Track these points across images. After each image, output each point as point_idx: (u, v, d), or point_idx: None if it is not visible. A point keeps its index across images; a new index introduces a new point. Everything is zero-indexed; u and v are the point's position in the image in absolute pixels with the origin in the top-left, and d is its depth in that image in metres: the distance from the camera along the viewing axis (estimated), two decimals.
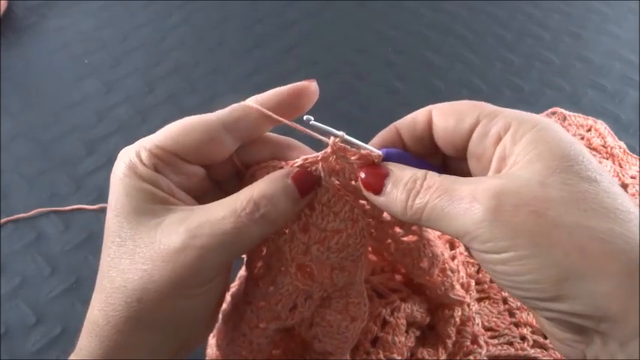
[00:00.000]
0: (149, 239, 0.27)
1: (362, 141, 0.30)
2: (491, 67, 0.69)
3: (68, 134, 0.62)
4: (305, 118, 0.29)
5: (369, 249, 0.37)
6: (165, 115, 0.64)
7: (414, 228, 0.35)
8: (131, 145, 0.30)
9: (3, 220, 0.53)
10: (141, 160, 0.29)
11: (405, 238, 0.35)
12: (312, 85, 0.31)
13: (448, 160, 0.33)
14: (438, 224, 0.27)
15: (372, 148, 0.30)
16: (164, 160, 0.30)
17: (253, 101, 0.31)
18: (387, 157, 0.30)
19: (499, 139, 0.28)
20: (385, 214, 0.33)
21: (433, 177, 0.27)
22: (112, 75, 0.69)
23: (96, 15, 0.79)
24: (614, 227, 0.23)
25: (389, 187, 0.28)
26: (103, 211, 0.55)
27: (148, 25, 0.77)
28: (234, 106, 0.31)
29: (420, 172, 0.28)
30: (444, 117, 0.30)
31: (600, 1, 0.79)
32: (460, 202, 0.25)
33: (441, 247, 0.38)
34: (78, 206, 0.55)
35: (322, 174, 0.30)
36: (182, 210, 0.29)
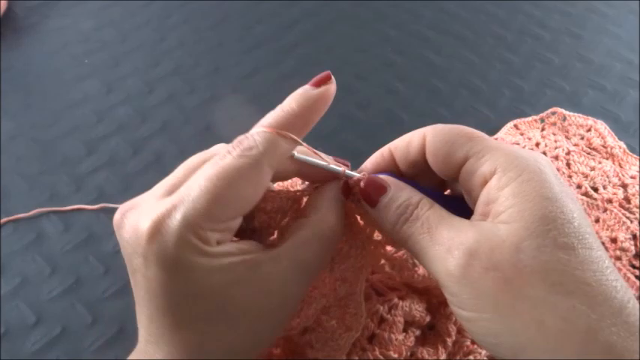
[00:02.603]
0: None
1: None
2: (491, 67, 0.69)
3: (68, 134, 0.62)
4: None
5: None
6: (166, 115, 0.64)
7: None
8: (179, 226, 0.25)
9: (3, 220, 0.53)
10: (208, 243, 0.26)
11: (396, 255, 0.36)
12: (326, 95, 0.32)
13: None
14: (419, 259, 0.28)
15: (356, 174, 0.31)
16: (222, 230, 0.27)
17: (268, 126, 0.29)
18: None
19: (485, 181, 0.27)
20: (376, 234, 0.34)
21: (424, 208, 0.28)
22: (112, 75, 0.69)
23: (96, 15, 0.79)
24: (576, 305, 0.23)
25: (383, 203, 0.29)
26: (103, 211, 0.55)
27: (148, 26, 0.77)
28: (272, 139, 0.28)
29: (414, 198, 0.28)
30: (436, 147, 0.29)
31: (600, 1, 0.79)
32: (438, 248, 0.26)
33: None
34: (78, 206, 0.55)
35: None
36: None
